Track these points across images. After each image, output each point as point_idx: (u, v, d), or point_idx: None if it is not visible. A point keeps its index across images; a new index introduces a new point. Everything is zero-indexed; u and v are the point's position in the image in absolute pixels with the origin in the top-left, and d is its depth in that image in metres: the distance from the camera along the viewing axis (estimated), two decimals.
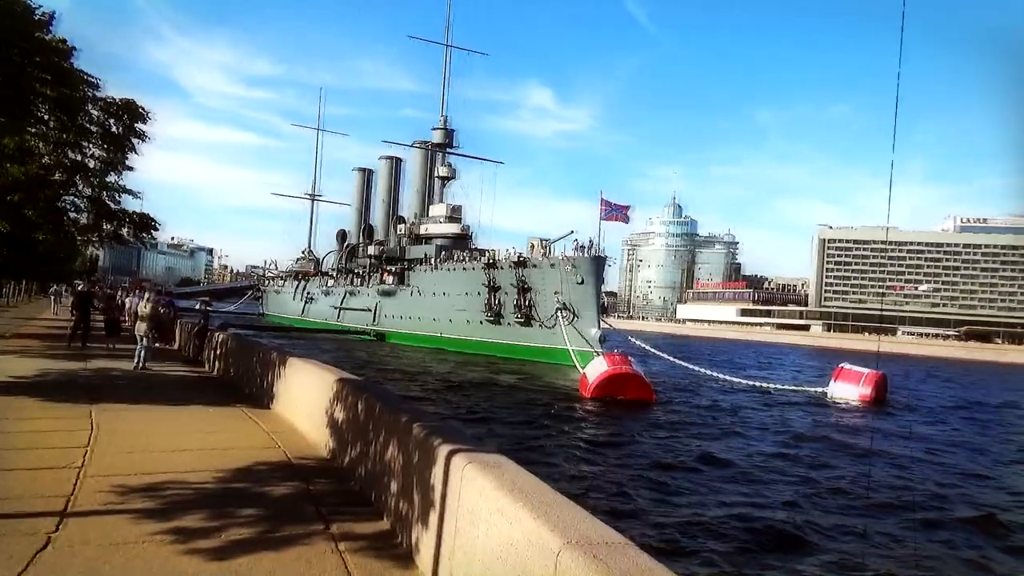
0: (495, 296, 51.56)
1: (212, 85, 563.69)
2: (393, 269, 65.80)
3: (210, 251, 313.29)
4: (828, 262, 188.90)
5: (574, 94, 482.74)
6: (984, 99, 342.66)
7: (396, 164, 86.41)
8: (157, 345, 22.30)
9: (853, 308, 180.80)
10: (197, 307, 22.14)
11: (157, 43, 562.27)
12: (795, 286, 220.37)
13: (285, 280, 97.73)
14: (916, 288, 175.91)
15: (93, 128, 16.28)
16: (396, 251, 68.49)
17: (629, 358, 31.58)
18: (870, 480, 15.52)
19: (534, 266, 48.94)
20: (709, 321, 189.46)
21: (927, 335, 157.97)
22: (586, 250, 47.02)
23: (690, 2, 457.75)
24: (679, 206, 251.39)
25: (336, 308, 74.61)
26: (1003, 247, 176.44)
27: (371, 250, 73.22)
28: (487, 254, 54.10)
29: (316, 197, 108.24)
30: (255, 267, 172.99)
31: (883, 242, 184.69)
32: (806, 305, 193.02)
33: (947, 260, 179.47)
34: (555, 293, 46.97)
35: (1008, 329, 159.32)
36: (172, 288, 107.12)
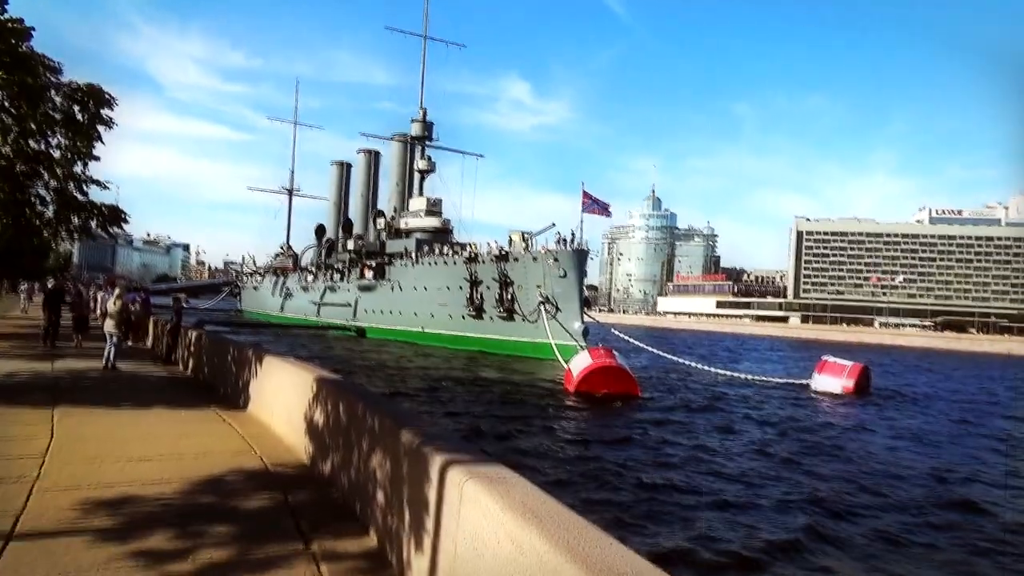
0: (476, 290, 51.02)
1: (186, 78, 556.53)
2: (372, 264, 64.99)
3: (186, 247, 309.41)
4: (806, 254, 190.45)
5: (551, 87, 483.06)
6: (955, 91, 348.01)
7: (374, 157, 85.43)
8: (128, 343, 21.62)
9: (831, 299, 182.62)
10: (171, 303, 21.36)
11: (130, 35, 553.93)
12: (773, 278, 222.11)
13: (263, 276, 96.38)
14: (892, 279, 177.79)
15: (56, 115, 15.55)
16: (375, 245, 67.60)
17: (613, 351, 31.33)
18: (853, 475, 15.31)
19: (516, 260, 48.43)
20: (689, 314, 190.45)
21: (903, 326, 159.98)
22: (568, 243, 46.62)
23: None
24: (658, 199, 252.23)
25: (315, 304, 73.69)
26: (976, 238, 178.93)
27: (350, 245, 72.32)
28: (468, 248, 53.49)
29: (293, 191, 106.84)
30: (232, 263, 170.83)
31: (859, 234, 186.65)
32: (784, 297, 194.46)
33: (922, 251, 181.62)
34: (537, 287, 46.52)
35: (982, 319, 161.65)
36: (148, 285, 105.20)
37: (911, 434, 22.65)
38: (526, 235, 50.16)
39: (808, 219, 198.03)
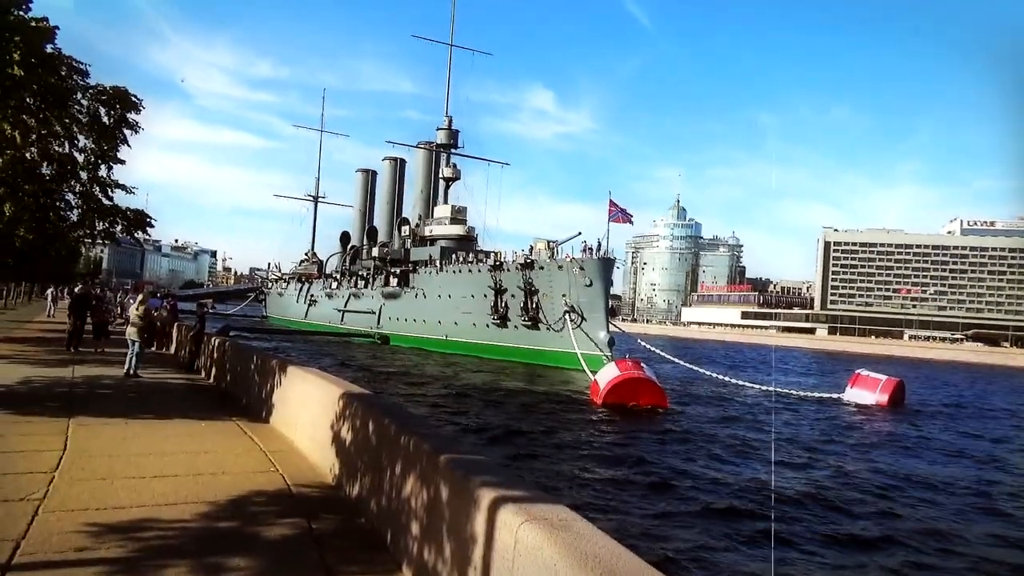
0: (501, 298, 50.53)
1: (214, 87, 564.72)
2: (397, 271, 64.78)
3: (213, 253, 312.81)
4: (833, 264, 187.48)
5: (575, 96, 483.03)
6: (982, 101, 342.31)
7: (399, 165, 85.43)
8: (153, 349, 21.39)
9: (859, 311, 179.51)
10: (193, 310, 21.14)
11: (160, 45, 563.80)
12: (799, 289, 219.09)
13: (288, 282, 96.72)
14: (922, 291, 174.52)
15: (82, 118, 15.36)
16: (400, 253, 67.40)
17: (641, 363, 30.68)
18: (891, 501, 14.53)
19: (541, 268, 47.88)
20: (714, 324, 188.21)
21: (934, 338, 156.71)
22: (594, 252, 45.99)
23: (691, 4, 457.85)
24: (683, 208, 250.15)
25: (339, 311, 73.63)
26: (1009, 250, 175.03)
27: (374, 252, 72.19)
28: (493, 256, 53.04)
29: (319, 199, 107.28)
30: (258, 269, 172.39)
31: (889, 244, 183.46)
32: (811, 308, 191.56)
33: (953, 263, 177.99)
34: (562, 296, 45.93)
35: (1016, 333, 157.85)
36: (175, 291, 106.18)
37: (953, 451, 21.81)
38: (552, 243, 49.64)
39: (836, 229, 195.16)
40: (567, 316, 44.78)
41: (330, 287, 79.45)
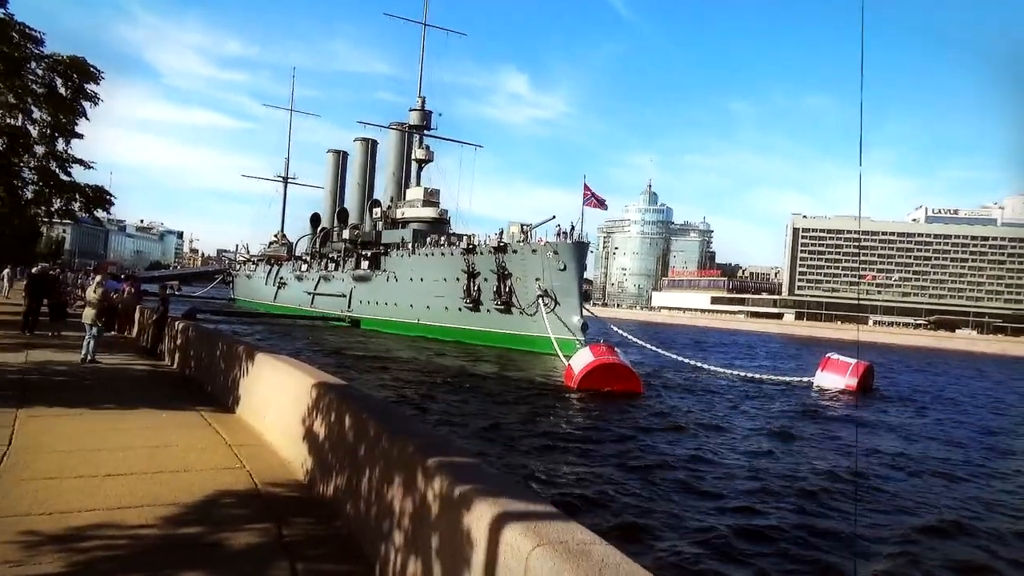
0: (474, 282, 50.05)
1: (184, 66, 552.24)
2: (368, 254, 63.86)
3: (180, 234, 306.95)
4: (801, 251, 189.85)
5: (550, 81, 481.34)
6: (953, 94, 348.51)
7: (371, 146, 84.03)
8: (114, 333, 20.56)
9: (825, 296, 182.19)
10: (155, 292, 20.34)
11: (128, 22, 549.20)
12: (768, 274, 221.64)
13: (257, 265, 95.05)
14: (887, 277, 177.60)
15: (37, 88, 14.51)
16: (371, 235, 66.33)
17: (615, 348, 30.59)
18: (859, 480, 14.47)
19: (514, 252, 47.44)
20: (684, 309, 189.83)
21: (898, 324, 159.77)
22: (568, 236, 45.65)
23: None
24: (654, 194, 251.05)
25: (309, 294, 72.55)
26: (971, 238, 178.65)
27: (345, 234, 70.99)
28: (465, 239, 52.43)
29: (289, 180, 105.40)
30: (226, 251, 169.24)
31: (855, 231, 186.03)
32: (779, 293, 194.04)
33: (918, 250, 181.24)
34: (536, 280, 45.60)
35: (976, 319, 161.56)
36: (139, 272, 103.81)
37: (924, 436, 21.98)
38: (525, 227, 49.17)
39: (804, 216, 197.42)
40: (540, 300, 44.49)
41: (300, 269, 78.22)
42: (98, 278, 13.61)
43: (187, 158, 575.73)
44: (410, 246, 58.14)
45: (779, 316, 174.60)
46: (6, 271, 37.59)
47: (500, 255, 47.80)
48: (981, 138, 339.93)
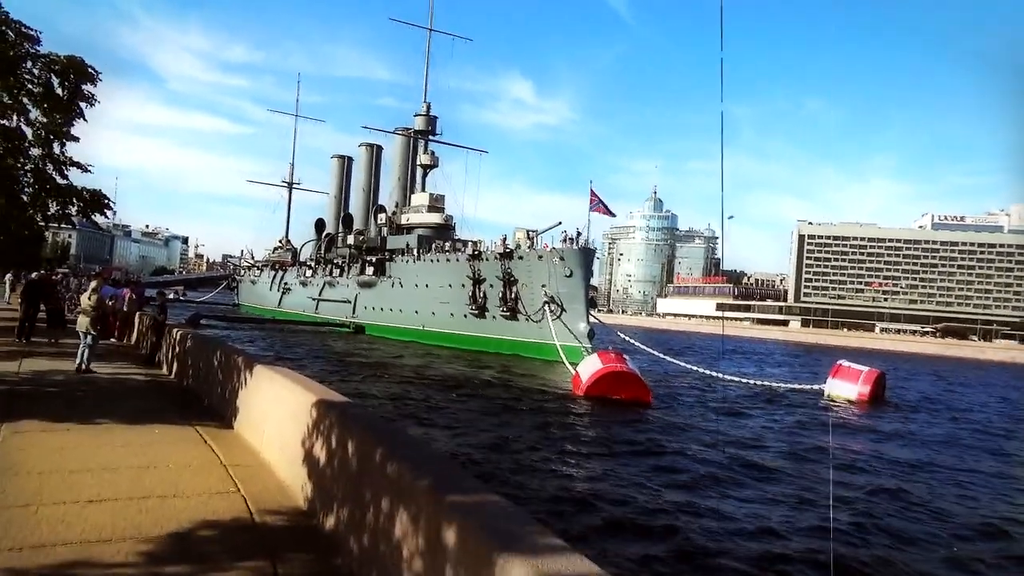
0: (479, 288, 49.60)
1: (187, 71, 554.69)
2: (373, 260, 63.49)
3: (185, 240, 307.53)
4: (807, 257, 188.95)
5: (553, 86, 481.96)
6: (955, 97, 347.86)
7: (376, 151, 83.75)
8: (113, 341, 20.14)
9: (832, 304, 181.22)
10: (154, 297, 19.88)
11: (131, 27, 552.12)
12: (774, 281, 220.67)
13: (261, 270, 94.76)
14: (894, 284, 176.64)
15: (33, 88, 14.09)
16: (376, 241, 65.95)
17: (624, 355, 30.09)
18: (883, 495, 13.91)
19: (520, 258, 47.01)
20: (689, 315, 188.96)
21: (905, 331, 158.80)
22: (574, 242, 45.19)
23: None
24: (660, 200, 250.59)
25: (314, 299, 72.19)
26: (978, 245, 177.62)
27: (350, 240, 70.67)
28: (471, 245, 52.00)
29: (293, 185, 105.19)
30: (231, 256, 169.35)
31: (861, 238, 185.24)
32: (785, 300, 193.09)
33: (924, 257, 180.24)
34: (542, 286, 45.13)
35: (984, 326, 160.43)
36: (140, 277, 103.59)
37: (944, 448, 21.41)
38: (531, 233, 48.75)
39: (810, 223, 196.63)
40: (546, 307, 44.02)
41: (304, 275, 77.88)
42: (93, 284, 13.15)
43: (191, 163, 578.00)
44: (415, 252, 57.75)
45: (785, 323, 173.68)
46: (8, 276, 37.23)
47: (506, 261, 47.36)
48: (984, 143, 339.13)
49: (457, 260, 51.46)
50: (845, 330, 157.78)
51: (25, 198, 15.53)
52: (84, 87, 14.51)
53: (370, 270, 62.86)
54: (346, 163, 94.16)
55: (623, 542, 9.84)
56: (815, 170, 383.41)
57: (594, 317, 48.71)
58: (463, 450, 15.28)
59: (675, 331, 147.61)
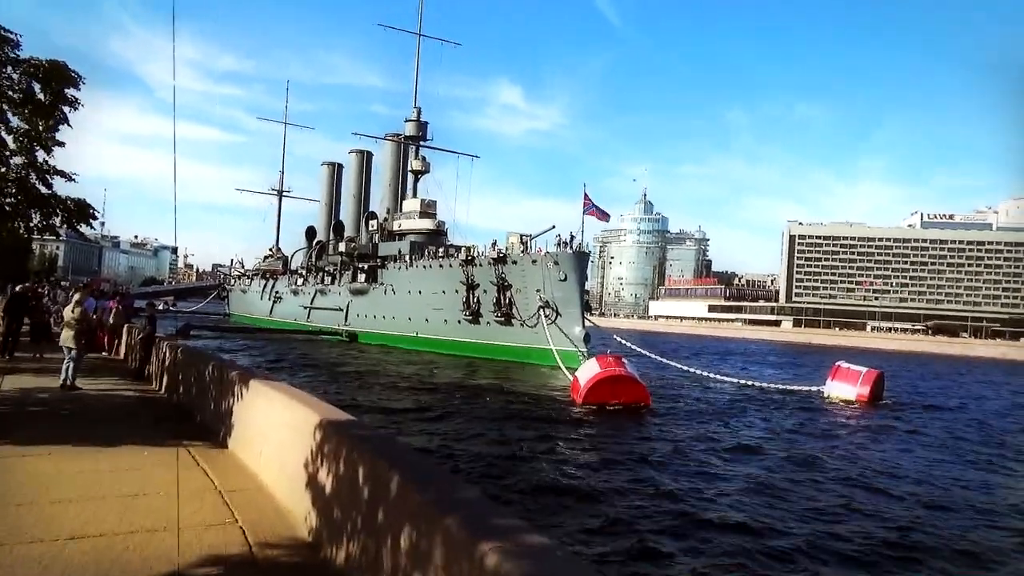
0: (473, 294, 49.14)
1: (178, 80, 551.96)
2: (365, 267, 62.91)
3: (174, 250, 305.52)
4: (798, 258, 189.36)
5: (544, 91, 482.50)
6: (944, 100, 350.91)
7: (366, 158, 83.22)
8: (105, 354, 19.57)
9: (823, 303, 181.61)
10: (143, 309, 19.29)
11: (121, 37, 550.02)
12: (765, 282, 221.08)
13: (252, 279, 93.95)
14: (885, 283, 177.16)
15: (13, 94, 13.54)
16: (367, 248, 65.35)
17: (622, 359, 29.71)
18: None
19: (514, 263, 46.57)
20: (681, 318, 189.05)
21: (896, 330, 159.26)
22: (568, 245, 44.80)
23: (659, 2, 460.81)
24: (650, 203, 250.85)
25: (305, 308, 71.51)
26: (967, 242, 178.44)
27: (341, 247, 70.00)
28: (464, 250, 51.52)
29: (283, 193, 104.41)
30: (221, 266, 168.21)
31: (851, 238, 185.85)
32: (776, 301, 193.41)
33: (914, 256, 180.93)
34: (536, 291, 44.70)
35: (973, 323, 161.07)
36: (129, 288, 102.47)
37: (948, 449, 21.11)
38: (525, 237, 48.33)
39: (800, 223, 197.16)
40: (541, 311, 43.59)
41: (295, 283, 77.19)
42: (77, 296, 12.58)
43: (182, 172, 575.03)
44: (407, 258, 57.21)
45: (776, 324, 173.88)
46: None
47: (500, 266, 46.92)
48: (974, 144, 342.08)
49: (450, 266, 50.97)
50: (837, 329, 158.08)
51: (7, 208, 14.99)
52: (68, 91, 14.00)
53: (362, 277, 62.30)
54: (336, 170, 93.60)
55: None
56: (807, 173, 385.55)
57: (589, 321, 48.32)
58: (468, 464, 14.77)
59: (668, 333, 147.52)
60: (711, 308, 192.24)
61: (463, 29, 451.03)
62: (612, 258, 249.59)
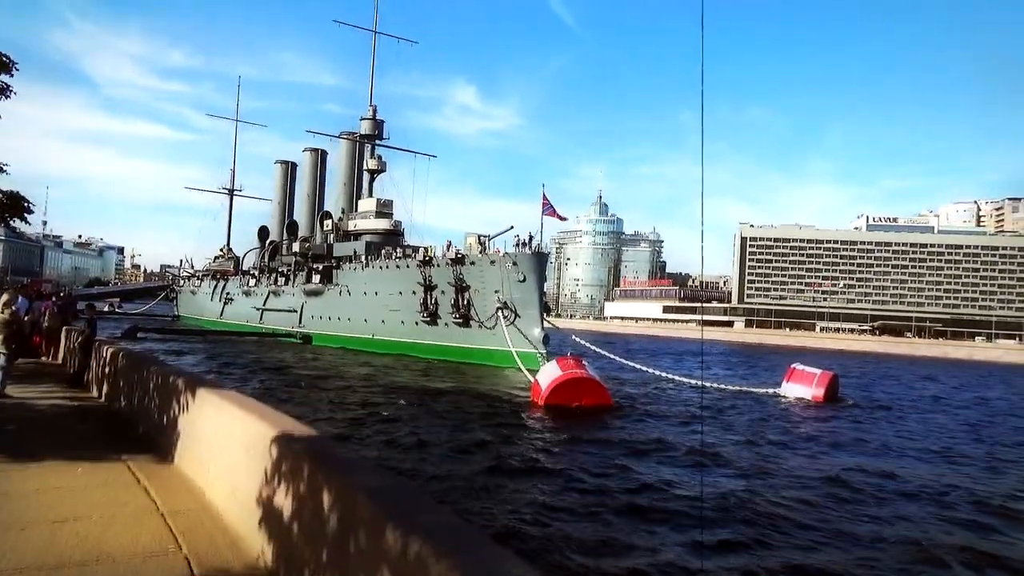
0: (431, 295, 48.44)
1: (124, 76, 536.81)
2: (319, 267, 61.66)
3: (120, 250, 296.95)
4: (750, 260, 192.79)
5: (500, 92, 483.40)
6: (889, 104, 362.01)
7: (321, 156, 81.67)
8: (45, 359, 18.47)
9: (774, 304, 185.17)
10: (83, 311, 18.23)
11: (63, 30, 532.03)
12: (718, 283, 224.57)
13: (202, 280, 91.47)
14: (833, 284, 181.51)
15: None
16: (322, 248, 64.06)
17: (583, 361, 29.57)
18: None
19: (472, 263, 46.03)
20: (636, 318, 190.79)
21: (843, 330, 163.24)
22: (527, 246, 44.43)
23: (614, 4, 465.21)
24: (605, 204, 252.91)
25: (258, 309, 69.81)
26: (910, 245, 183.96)
27: (295, 247, 68.56)
28: (422, 251, 50.77)
29: (234, 192, 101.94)
30: (169, 266, 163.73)
31: (801, 240, 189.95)
32: (729, 302, 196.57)
33: (860, 257, 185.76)
34: (495, 292, 44.24)
35: (918, 324, 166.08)
36: (71, 289, 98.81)
37: (904, 446, 21.41)
38: (483, 238, 47.81)
39: (752, 226, 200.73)
40: (500, 313, 43.15)
41: (248, 284, 75.35)
42: (5, 297, 11.65)
43: (128, 171, 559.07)
44: (363, 259, 56.20)
45: (730, 324, 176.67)
46: None
47: (457, 267, 46.34)
48: (916, 149, 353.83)
49: (407, 266, 50.20)
50: (788, 330, 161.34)
51: None
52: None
53: (316, 278, 61.10)
54: (290, 169, 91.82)
55: None
56: (758, 175, 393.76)
57: (549, 322, 48.06)
58: (428, 470, 14.21)
59: (624, 334, 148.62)
60: (665, 309, 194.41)
61: (420, 27, 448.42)
62: (568, 259, 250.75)
